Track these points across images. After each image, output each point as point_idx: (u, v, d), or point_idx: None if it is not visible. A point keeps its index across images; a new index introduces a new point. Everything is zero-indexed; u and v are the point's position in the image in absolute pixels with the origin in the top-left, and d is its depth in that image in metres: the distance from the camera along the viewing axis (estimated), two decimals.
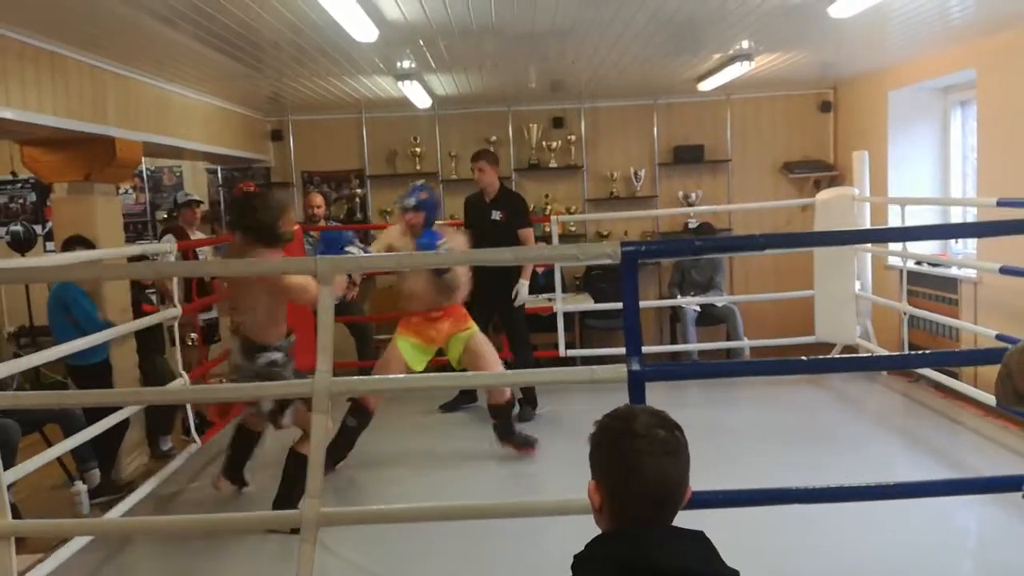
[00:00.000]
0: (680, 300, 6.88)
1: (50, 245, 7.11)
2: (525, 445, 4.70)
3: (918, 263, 5.95)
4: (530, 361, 5.62)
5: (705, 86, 6.61)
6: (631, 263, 2.31)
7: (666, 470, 1.40)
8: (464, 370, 4.58)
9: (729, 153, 7.81)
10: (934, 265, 5.86)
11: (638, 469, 1.39)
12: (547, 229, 6.83)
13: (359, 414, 4.44)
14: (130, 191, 7.71)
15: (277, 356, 3.75)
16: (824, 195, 6.48)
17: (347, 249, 4.50)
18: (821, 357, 4.31)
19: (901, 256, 5.85)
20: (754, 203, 7.27)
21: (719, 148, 7.82)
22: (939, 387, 5.21)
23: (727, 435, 4.74)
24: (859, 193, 6.17)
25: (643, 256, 2.39)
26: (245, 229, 3.75)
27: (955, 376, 5.12)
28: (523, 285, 5.43)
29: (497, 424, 4.72)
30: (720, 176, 7.84)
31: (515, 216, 5.46)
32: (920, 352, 5.22)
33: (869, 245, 6.20)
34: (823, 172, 7.69)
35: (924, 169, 6.54)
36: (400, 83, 5.88)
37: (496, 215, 5.43)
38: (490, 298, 5.37)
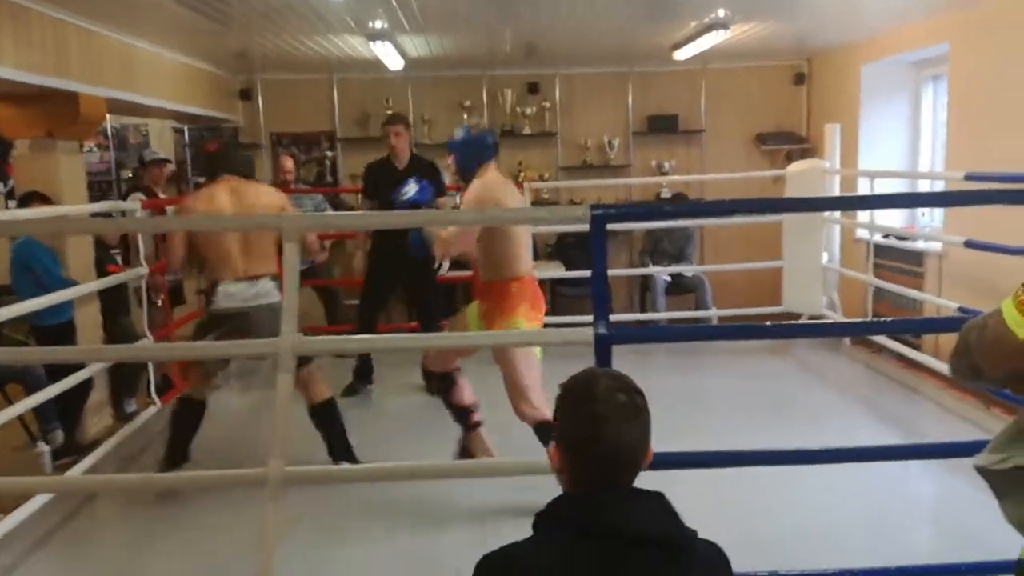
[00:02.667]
0: (651, 269, 6.92)
1: (12, 203, 6.96)
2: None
3: (885, 236, 6.02)
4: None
5: (681, 55, 6.59)
6: (600, 227, 2.30)
7: (624, 434, 1.41)
8: None
9: (703, 123, 7.81)
10: (901, 239, 5.93)
11: (596, 433, 1.40)
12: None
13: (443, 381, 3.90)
14: (94, 149, 7.55)
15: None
16: (795, 167, 6.52)
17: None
18: (785, 323, 4.37)
19: (868, 228, 5.90)
20: (726, 174, 7.29)
21: (693, 118, 7.81)
22: (901, 358, 5.29)
23: (692, 402, 4.79)
24: (830, 166, 6.22)
25: (612, 219, 2.38)
26: (238, 168, 3.94)
27: (917, 348, 5.21)
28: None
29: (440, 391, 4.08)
30: (694, 146, 7.85)
31: (432, 185, 4.94)
32: (881, 320, 5.29)
33: (838, 216, 6.26)
34: (795, 144, 7.72)
35: (895, 143, 6.59)
36: (372, 43, 5.78)
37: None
38: (398, 268, 5.17)
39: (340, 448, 3.90)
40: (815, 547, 3.09)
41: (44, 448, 4.20)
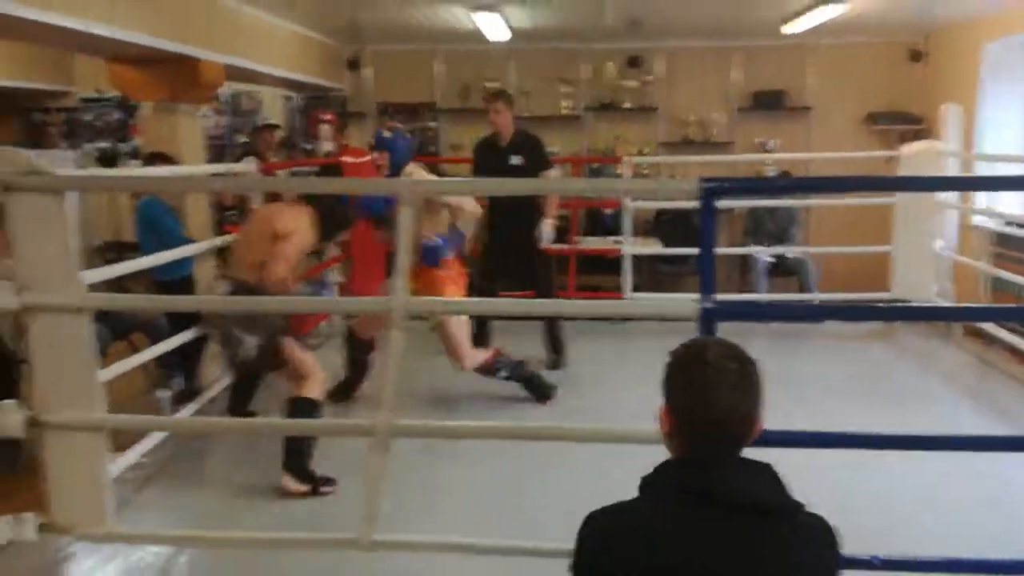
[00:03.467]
0: (752, 249, 6.78)
1: (135, 163, 7.33)
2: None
3: (1007, 224, 5.73)
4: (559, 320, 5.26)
5: (790, 29, 6.39)
6: (711, 201, 2.29)
7: (734, 402, 1.42)
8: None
9: (811, 101, 7.58)
10: (1022, 226, 5.64)
11: (707, 398, 1.41)
12: (618, 171, 6.76)
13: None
14: (211, 114, 7.87)
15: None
16: (909, 148, 6.25)
17: None
18: (894, 305, 4.23)
19: (987, 215, 5.63)
20: (835, 153, 7.06)
21: (801, 95, 7.59)
22: (1014, 351, 5.06)
23: (791, 385, 4.68)
24: (947, 148, 5.95)
25: (724, 193, 2.36)
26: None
27: None
28: (547, 224, 5.11)
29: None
30: (800, 124, 7.63)
31: (536, 160, 5.11)
32: (999, 306, 5.04)
33: (954, 200, 5.99)
34: (909, 125, 7.41)
35: (1017, 127, 6.25)
36: (476, 14, 5.82)
37: (515, 160, 5.07)
38: (508, 245, 5.17)
39: (294, 460, 3.45)
40: (912, 534, 3.03)
41: (165, 394, 4.46)
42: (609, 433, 2.64)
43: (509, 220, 5.07)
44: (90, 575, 2.87)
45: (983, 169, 5.75)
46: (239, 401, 4.10)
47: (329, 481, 3.48)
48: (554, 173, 5.36)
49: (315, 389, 3.54)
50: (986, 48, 6.25)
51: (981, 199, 5.92)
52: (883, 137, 7.48)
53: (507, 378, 4.50)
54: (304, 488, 3.42)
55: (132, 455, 3.55)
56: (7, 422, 2.18)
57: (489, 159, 5.16)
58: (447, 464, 3.71)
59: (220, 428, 3.10)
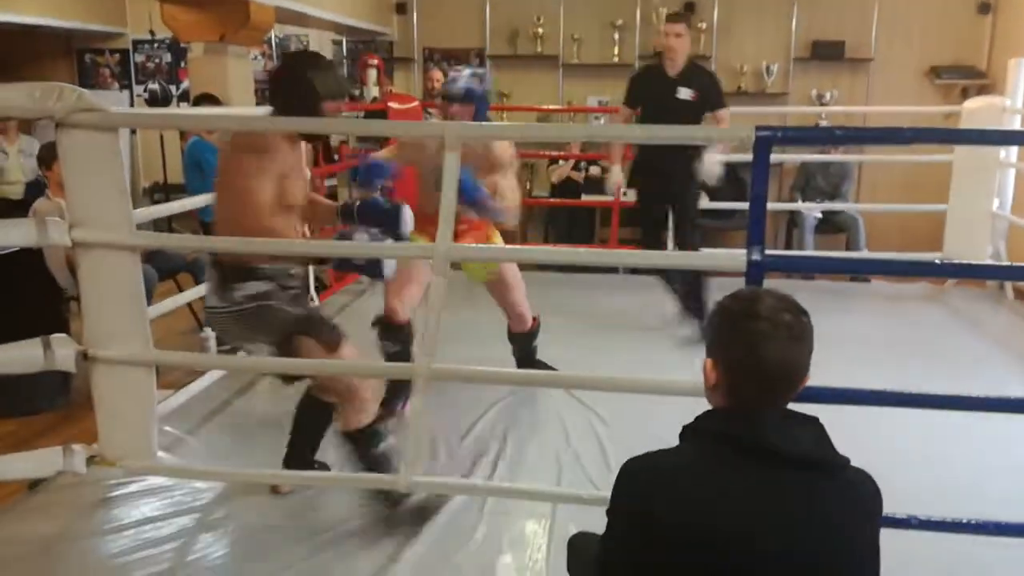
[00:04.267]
0: (801, 204, 6.64)
1: (184, 105, 7.39)
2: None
3: None
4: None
5: None
6: (765, 149, 2.22)
7: (789, 354, 1.40)
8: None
9: (872, 52, 7.32)
10: None
11: (760, 350, 1.39)
12: None
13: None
14: (259, 57, 7.87)
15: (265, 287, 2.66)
16: (972, 104, 6.02)
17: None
18: (946, 263, 4.10)
19: None
20: (894, 107, 6.83)
21: (861, 46, 7.32)
22: None
23: (835, 343, 4.60)
24: (1011, 104, 5.71)
25: (779, 142, 2.29)
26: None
27: None
28: (713, 158, 4.37)
29: (517, 354, 3.93)
30: (859, 76, 7.38)
31: (709, 96, 4.61)
32: None
33: (1014, 159, 5.78)
34: (973, 79, 7.12)
35: None
36: None
37: (685, 94, 4.53)
38: (667, 185, 4.69)
39: (297, 454, 2.93)
40: (952, 496, 2.97)
41: (209, 333, 4.54)
42: (652, 384, 2.62)
43: (665, 153, 4.40)
44: (136, 507, 2.96)
45: None
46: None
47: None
48: (726, 114, 4.77)
49: (361, 413, 2.67)
50: None
51: None
52: (945, 92, 7.21)
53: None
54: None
55: (181, 395, 3.65)
56: (59, 356, 2.23)
57: (654, 88, 4.58)
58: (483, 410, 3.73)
59: (266, 367, 3.14)
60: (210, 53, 5.10)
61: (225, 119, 2.76)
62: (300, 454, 2.93)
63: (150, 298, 4.25)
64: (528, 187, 7.73)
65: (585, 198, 6.97)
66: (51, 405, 4.09)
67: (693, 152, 4.39)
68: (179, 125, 2.90)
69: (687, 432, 1.47)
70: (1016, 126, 5.72)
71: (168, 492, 3.01)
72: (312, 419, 2.89)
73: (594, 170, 7.28)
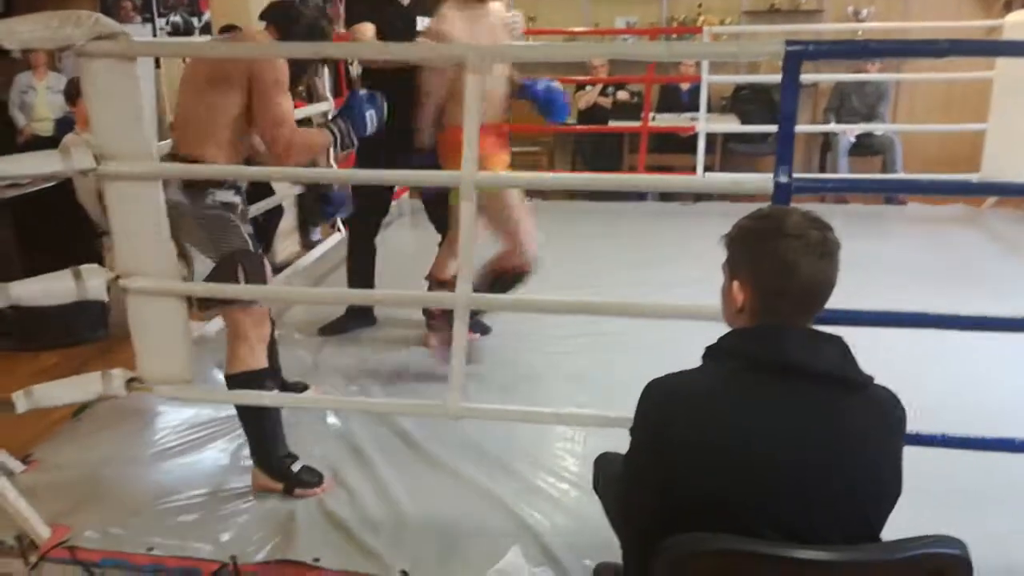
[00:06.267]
0: (835, 127, 6.48)
1: (207, 37, 7.33)
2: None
3: None
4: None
5: None
6: (795, 64, 2.15)
7: (821, 270, 1.39)
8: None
9: None
10: None
11: (793, 268, 1.37)
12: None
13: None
14: None
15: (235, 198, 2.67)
16: (1015, 17, 5.77)
17: None
18: (981, 182, 4.00)
19: None
20: (932, 23, 6.58)
21: None
22: None
23: (866, 268, 4.51)
24: None
25: (810, 56, 2.20)
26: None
27: None
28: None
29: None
30: None
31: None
32: None
33: None
34: None
35: None
36: None
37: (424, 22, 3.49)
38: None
39: (261, 452, 2.65)
40: (983, 417, 2.96)
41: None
42: (674, 308, 2.62)
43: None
44: (173, 429, 3.05)
45: None
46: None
47: (310, 480, 2.65)
48: None
49: (248, 357, 2.57)
50: None
51: None
52: (986, 5, 6.92)
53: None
54: (278, 486, 2.64)
55: (212, 326, 3.71)
56: (91, 286, 2.27)
57: (379, 14, 3.56)
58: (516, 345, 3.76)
59: (295, 297, 3.16)
60: None
61: (242, 47, 2.72)
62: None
63: None
64: None
65: (613, 124, 6.86)
66: (92, 337, 4.19)
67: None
68: (199, 53, 2.84)
69: (710, 352, 1.46)
70: None
71: (208, 417, 3.11)
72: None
73: (622, 95, 7.14)
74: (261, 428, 2.62)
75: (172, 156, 2.65)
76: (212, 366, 3.34)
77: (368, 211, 3.73)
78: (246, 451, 2.73)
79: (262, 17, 2.82)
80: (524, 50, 3.66)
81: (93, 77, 2.17)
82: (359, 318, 3.92)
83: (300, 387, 3.24)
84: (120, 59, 2.17)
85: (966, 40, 5.28)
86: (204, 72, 2.60)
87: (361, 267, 3.85)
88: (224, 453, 2.91)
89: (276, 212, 4.88)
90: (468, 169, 2.27)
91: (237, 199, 2.66)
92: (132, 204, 2.26)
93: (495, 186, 3.05)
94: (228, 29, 4.80)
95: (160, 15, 7.77)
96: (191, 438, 3.00)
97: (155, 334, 2.36)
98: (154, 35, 7.80)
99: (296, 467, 2.65)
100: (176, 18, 7.16)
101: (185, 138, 2.63)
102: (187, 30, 7.07)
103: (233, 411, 2.74)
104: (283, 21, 2.74)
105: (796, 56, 2.14)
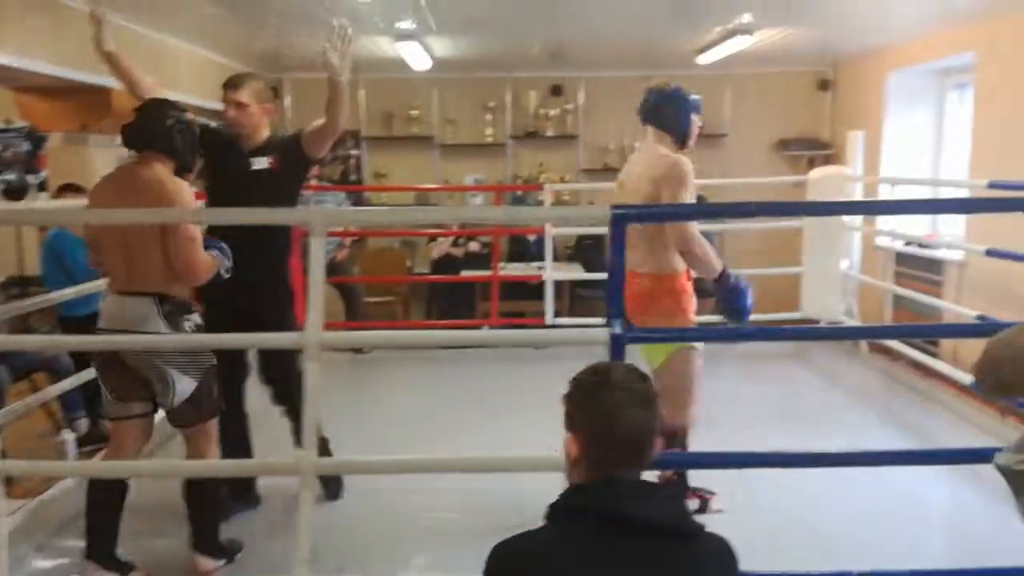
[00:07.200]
0: None
1: (44, 195, 7.09)
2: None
3: (907, 244, 6.01)
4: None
5: (704, 59, 6.61)
6: (621, 226, 2.34)
7: (643, 419, 1.47)
8: None
9: (726, 128, 7.82)
10: (922, 246, 5.92)
11: (618, 418, 1.45)
12: (540, 198, 6.85)
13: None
14: None
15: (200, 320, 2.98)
16: (817, 173, 6.51)
17: None
18: (803, 326, 4.38)
19: (890, 235, 5.89)
20: (746, 179, 7.28)
21: (716, 123, 7.81)
22: (918, 366, 5.28)
23: (705, 404, 4.80)
24: (852, 172, 6.20)
25: (633, 219, 2.42)
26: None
27: (934, 356, 5.20)
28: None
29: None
30: (716, 151, 7.84)
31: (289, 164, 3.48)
32: (900, 324, 5.29)
33: (859, 222, 6.25)
34: (818, 151, 7.72)
35: (918, 152, 6.57)
36: (399, 44, 5.84)
37: (262, 163, 3.49)
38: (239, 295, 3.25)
39: (206, 538, 3.05)
40: (822, 550, 3.11)
41: (69, 436, 4.27)
42: (518, 461, 2.66)
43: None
44: None
45: (886, 191, 6.03)
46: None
47: (234, 548, 3.15)
48: None
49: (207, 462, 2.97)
50: (890, 77, 6.58)
51: (883, 221, 6.19)
52: (793, 162, 7.77)
53: None
54: (220, 564, 3.04)
55: (36, 503, 3.41)
56: None
57: (222, 156, 3.59)
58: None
59: (130, 471, 2.95)
60: (70, 143, 4.96)
61: (86, 213, 2.68)
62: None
63: (2, 401, 4.00)
64: (409, 264, 7.78)
65: (465, 273, 7.05)
66: None
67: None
68: (38, 221, 2.75)
69: (552, 510, 1.50)
70: (858, 192, 6.20)
71: None
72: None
73: (473, 246, 7.39)
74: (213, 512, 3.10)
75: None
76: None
77: (229, 379, 3.31)
78: None
79: (138, 144, 2.99)
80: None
81: None
82: (239, 499, 3.52)
83: (128, 567, 2.98)
84: None
85: (769, 203, 5.91)
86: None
87: (233, 440, 3.40)
88: None
89: None
90: (313, 329, 2.29)
91: (200, 320, 2.97)
92: None
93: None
94: (67, 188, 4.69)
95: None
96: None
97: None
98: None
99: None
100: (10, 176, 6.89)
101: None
102: (21, 188, 6.79)
103: None
104: (167, 144, 3.01)
105: (621, 219, 2.33)
